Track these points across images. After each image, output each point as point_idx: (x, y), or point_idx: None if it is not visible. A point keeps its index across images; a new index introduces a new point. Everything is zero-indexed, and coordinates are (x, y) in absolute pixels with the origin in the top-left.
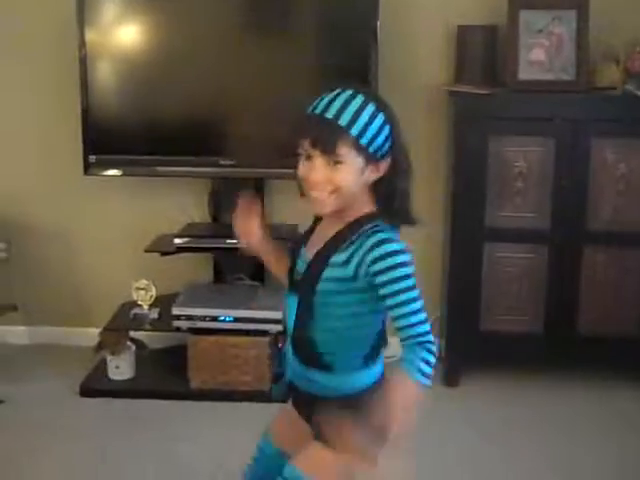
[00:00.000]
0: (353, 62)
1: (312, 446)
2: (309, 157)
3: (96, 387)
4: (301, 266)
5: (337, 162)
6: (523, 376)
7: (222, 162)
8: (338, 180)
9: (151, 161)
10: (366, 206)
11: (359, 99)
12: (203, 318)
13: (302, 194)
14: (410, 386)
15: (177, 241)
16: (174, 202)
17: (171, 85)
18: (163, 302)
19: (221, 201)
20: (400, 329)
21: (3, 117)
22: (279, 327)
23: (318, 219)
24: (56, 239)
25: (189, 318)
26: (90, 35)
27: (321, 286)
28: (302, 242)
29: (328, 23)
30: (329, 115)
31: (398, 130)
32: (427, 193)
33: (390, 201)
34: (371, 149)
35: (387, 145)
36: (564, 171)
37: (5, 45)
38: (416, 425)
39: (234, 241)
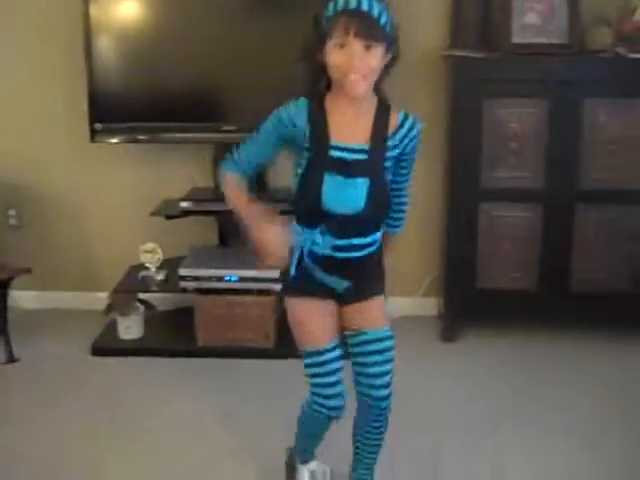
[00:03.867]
0: None
1: (372, 304)
2: (342, 46)
3: (107, 346)
4: (348, 153)
5: (370, 47)
6: (519, 332)
7: (225, 128)
8: (372, 63)
9: (155, 128)
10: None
11: None
12: (209, 278)
13: (318, 83)
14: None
15: (183, 204)
16: (179, 168)
17: (174, 54)
18: (170, 264)
19: None
20: (405, 195)
21: (11, 87)
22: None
23: (320, 111)
24: (65, 205)
25: (195, 279)
26: (94, 6)
27: (386, 163)
28: (324, 131)
29: None
30: (365, 7)
31: (396, 25)
32: (425, 156)
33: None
34: (389, 39)
35: (392, 37)
36: (557, 132)
37: (13, 16)
38: (414, 379)
39: None
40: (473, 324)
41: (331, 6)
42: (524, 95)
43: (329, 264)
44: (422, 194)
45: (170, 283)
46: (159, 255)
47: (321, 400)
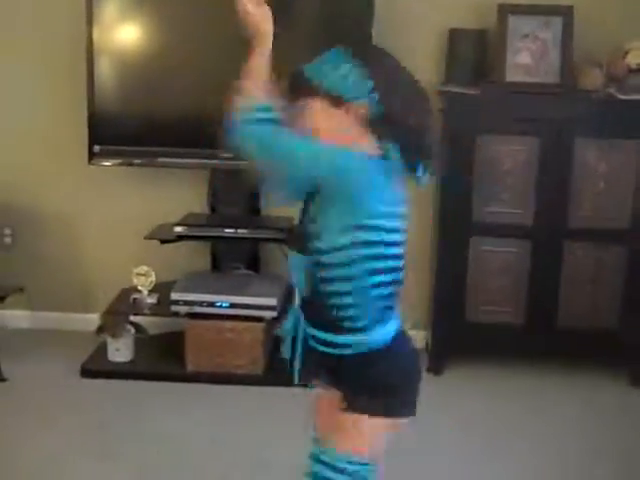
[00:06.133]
0: None
1: (344, 421)
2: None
3: (96, 368)
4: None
5: None
6: (505, 365)
7: (221, 155)
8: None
9: (153, 152)
10: None
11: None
12: (200, 303)
13: None
14: None
15: (177, 229)
16: (174, 192)
17: (173, 79)
18: (162, 288)
19: (220, 192)
20: None
21: (12, 107)
22: (273, 313)
23: None
24: (60, 226)
25: (187, 303)
26: (97, 31)
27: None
28: None
29: (325, 26)
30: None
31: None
32: (417, 188)
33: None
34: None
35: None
36: (547, 170)
37: (16, 38)
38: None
39: (231, 231)
40: (460, 357)
41: None
42: (516, 132)
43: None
44: (412, 226)
45: (162, 307)
46: (152, 278)
47: None
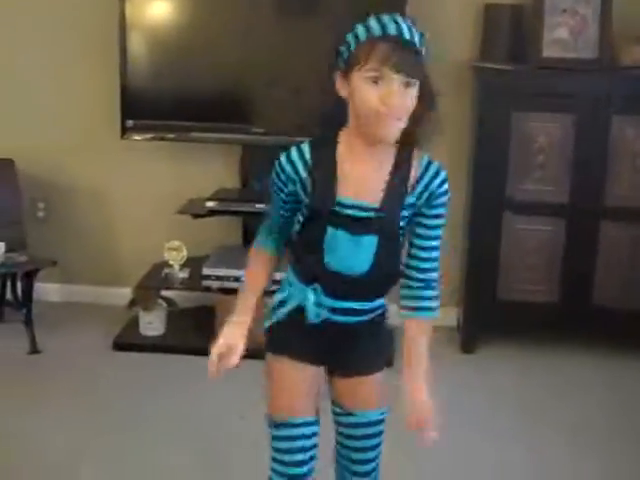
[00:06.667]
0: None
1: (367, 382)
2: (377, 80)
3: (128, 342)
4: (356, 211)
5: (409, 85)
6: (537, 344)
7: (253, 130)
8: (410, 104)
9: (185, 127)
10: None
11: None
12: (232, 279)
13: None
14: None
15: (209, 204)
16: (206, 167)
17: (206, 54)
18: (193, 263)
19: (251, 167)
20: (430, 268)
21: (46, 82)
22: None
23: (329, 157)
24: (92, 200)
25: (218, 278)
26: (129, 6)
27: (401, 223)
28: (329, 184)
29: (357, 3)
30: (407, 35)
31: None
32: (450, 165)
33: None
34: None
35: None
36: (584, 147)
37: (50, 14)
38: (433, 389)
39: (262, 205)
40: (493, 335)
41: (361, 29)
42: (552, 109)
43: (319, 328)
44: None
45: (193, 281)
46: (184, 253)
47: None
